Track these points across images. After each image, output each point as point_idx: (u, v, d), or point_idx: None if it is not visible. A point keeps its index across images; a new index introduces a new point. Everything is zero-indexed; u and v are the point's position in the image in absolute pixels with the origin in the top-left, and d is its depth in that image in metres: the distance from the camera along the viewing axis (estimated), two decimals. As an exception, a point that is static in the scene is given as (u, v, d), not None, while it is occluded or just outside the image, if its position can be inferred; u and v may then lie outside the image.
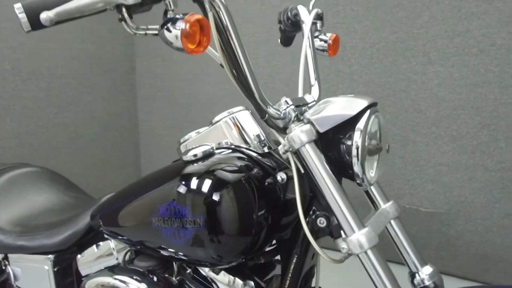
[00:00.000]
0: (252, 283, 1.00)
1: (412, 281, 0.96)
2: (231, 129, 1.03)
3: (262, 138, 1.03)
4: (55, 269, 1.24)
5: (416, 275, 0.95)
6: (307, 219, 0.93)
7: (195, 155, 0.96)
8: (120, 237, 1.09)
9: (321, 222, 0.90)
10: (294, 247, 0.96)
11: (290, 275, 0.96)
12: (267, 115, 0.88)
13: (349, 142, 0.87)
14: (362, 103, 0.88)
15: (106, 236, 1.16)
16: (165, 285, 1.03)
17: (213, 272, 1.02)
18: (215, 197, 0.90)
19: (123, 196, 1.09)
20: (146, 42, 2.76)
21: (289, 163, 0.94)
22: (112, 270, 1.10)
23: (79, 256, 1.23)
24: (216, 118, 1.06)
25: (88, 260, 1.21)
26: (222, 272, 1.01)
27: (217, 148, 1.00)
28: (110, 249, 1.16)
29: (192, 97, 2.64)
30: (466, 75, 2.04)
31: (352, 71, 2.25)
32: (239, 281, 1.00)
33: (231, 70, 0.84)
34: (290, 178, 0.95)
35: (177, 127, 2.73)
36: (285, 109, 0.90)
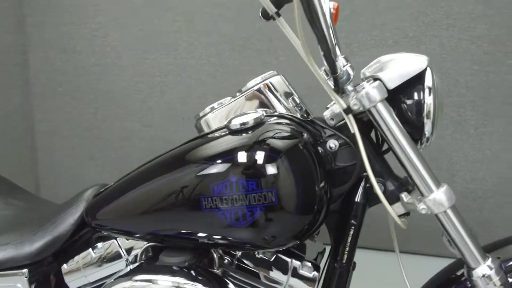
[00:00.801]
0: (309, 263, 0.94)
1: None
2: (267, 96, 0.98)
3: (298, 102, 1.01)
4: (32, 286, 1.02)
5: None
6: (361, 188, 0.92)
7: (243, 124, 0.88)
8: (134, 233, 0.93)
9: None
10: (347, 218, 0.93)
11: (347, 248, 0.92)
12: (339, 70, 0.83)
13: (413, 101, 0.87)
14: (423, 59, 0.88)
15: (109, 234, 0.98)
16: (208, 279, 0.89)
17: (265, 256, 0.93)
18: (287, 167, 0.84)
19: (137, 182, 0.92)
20: (41, 31, 2.42)
21: (338, 129, 0.93)
22: (133, 272, 0.92)
23: (65, 265, 1.02)
24: (248, 85, 1.00)
25: (81, 269, 1.01)
26: (276, 255, 0.93)
27: None
28: (117, 249, 0.99)
29: (103, 92, 2.40)
30: (383, 64, 2.23)
31: (279, 63, 2.29)
32: (296, 263, 0.93)
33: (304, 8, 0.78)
34: (340, 146, 0.93)
35: (84, 125, 2.45)
36: (342, 68, 0.87)
